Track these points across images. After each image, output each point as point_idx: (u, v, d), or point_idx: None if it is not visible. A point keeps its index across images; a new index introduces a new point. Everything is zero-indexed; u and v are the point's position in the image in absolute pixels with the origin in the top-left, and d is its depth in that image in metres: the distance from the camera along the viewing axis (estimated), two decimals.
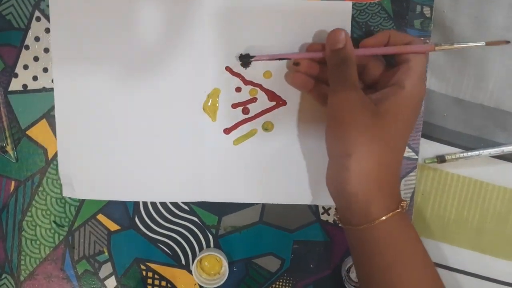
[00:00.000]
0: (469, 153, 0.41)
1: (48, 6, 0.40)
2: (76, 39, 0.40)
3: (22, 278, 0.43)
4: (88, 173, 0.41)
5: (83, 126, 0.41)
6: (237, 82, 0.40)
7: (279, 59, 0.39)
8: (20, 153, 0.41)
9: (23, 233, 0.42)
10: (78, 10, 0.39)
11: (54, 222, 0.42)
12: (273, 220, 0.42)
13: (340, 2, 0.40)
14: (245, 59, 0.39)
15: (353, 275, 0.42)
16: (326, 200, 0.41)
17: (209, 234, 0.43)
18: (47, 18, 0.40)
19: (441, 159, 0.41)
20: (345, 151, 0.33)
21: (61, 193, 0.42)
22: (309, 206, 0.42)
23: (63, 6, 0.39)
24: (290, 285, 0.43)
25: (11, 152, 0.41)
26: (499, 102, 0.41)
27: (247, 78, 0.40)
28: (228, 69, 0.40)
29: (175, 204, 0.42)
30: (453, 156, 0.41)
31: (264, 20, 0.40)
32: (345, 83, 0.34)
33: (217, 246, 0.43)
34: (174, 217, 0.42)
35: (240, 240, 0.43)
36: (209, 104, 0.40)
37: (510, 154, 0.41)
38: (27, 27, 0.40)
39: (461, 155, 0.41)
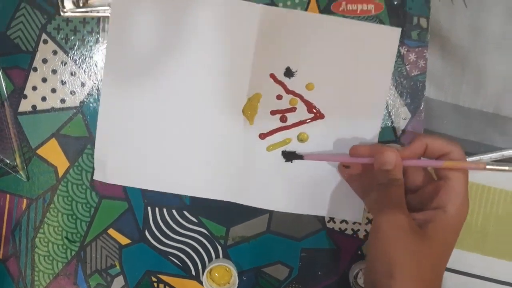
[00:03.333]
0: (470, 159, 0.42)
1: (54, 29, 0.41)
2: (128, 42, 0.41)
3: None
4: (122, 161, 0.42)
5: (124, 117, 0.41)
6: (279, 90, 0.41)
7: (328, 160, 0.41)
8: (31, 172, 0.42)
9: (36, 249, 0.43)
10: (136, 13, 0.40)
11: (66, 238, 0.43)
12: (280, 229, 0.43)
13: (389, 27, 0.41)
14: (290, 157, 0.41)
15: (360, 280, 0.43)
16: (349, 215, 0.43)
17: (217, 245, 0.44)
18: (54, 40, 0.41)
19: None
20: (388, 272, 0.33)
21: (71, 210, 0.43)
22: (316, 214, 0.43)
23: (123, 12, 0.40)
24: None
25: (22, 172, 0.42)
26: (498, 107, 0.42)
27: (290, 88, 0.41)
28: (272, 76, 0.41)
29: (183, 216, 0.43)
30: None
31: (311, 34, 0.40)
32: (392, 205, 0.34)
33: (226, 256, 0.44)
34: (182, 229, 0.43)
35: (249, 250, 0.43)
36: (249, 108, 0.41)
37: (510, 158, 0.42)
38: (35, 50, 0.41)
39: None
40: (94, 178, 0.42)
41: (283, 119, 0.42)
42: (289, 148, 0.42)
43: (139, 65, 0.41)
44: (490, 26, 0.41)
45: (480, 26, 0.41)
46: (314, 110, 0.42)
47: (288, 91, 0.41)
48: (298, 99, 0.41)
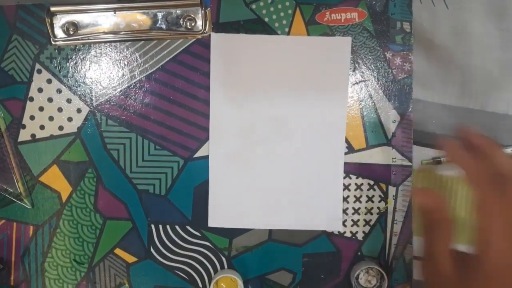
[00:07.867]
0: None
1: (47, 58, 0.42)
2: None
3: None
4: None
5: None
6: None
7: None
8: (35, 199, 0.44)
9: (46, 273, 0.44)
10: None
11: (74, 260, 0.44)
12: (281, 237, 0.45)
13: (340, 37, 0.42)
14: None
15: (361, 281, 0.44)
16: (328, 226, 0.44)
17: (222, 256, 0.45)
18: (47, 69, 0.42)
19: (437, 160, 0.43)
20: None
21: (77, 233, 0.44)
22: None
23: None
24: None
25: (26, 199, 0.43)
26: (484, 104, 0.43)
27: None
28: None
29: (187, 231, 0.44)
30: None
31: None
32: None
33: (230, 267, 0.45)
34: (187, 243, 0.45)
35: (252, 259, 0.45)
36: None
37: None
38: (30, 80, 0.42)
39: None
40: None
41: None
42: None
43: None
44: (472, 26, 0.42)
45: (462, 26, 0.42)
46: None
47: None
48: None
